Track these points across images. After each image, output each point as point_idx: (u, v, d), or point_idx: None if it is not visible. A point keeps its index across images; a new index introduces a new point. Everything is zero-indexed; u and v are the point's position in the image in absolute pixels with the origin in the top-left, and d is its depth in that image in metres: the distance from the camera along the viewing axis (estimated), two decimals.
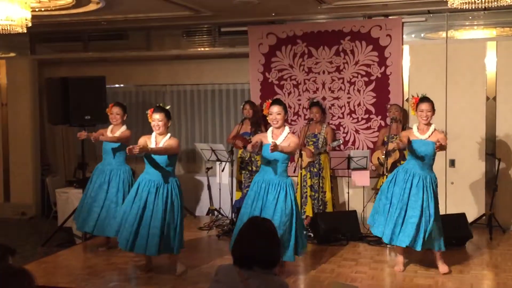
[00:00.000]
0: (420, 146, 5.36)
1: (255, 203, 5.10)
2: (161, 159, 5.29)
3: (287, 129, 5.22)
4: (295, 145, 5.17)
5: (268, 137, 5.17)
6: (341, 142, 7.24)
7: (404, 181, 5.38)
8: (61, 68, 9.09)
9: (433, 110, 5.42)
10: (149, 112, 5.42)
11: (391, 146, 6.80)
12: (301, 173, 7.29)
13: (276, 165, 5.11)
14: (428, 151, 5.34)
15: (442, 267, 5.38)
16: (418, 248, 5.28)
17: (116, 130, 6.28)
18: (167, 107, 5.51)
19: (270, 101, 5.27)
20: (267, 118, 5.28)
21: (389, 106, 7.32)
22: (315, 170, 7.29)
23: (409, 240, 5.25)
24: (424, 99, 5.44)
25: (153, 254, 5.29)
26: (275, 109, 5.14)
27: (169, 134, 5.40)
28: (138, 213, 5.23)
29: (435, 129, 5.42)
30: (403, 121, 7.27)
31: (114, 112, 6.24)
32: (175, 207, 5.31)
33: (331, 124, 7.74)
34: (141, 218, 5.23)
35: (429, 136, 5.37)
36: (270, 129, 5.27)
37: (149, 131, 5.64)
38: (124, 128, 6.27)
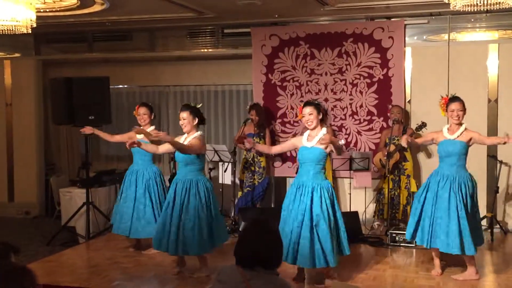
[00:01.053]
0: (448, 146, 5.31)
1: (291, 206, 4.97)
2: (182, 156, 5.30)
3: (324, 130, 5.03)
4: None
5: (303, 140, 5.06)
6: (343, 143, 7.26)
7: (436, 184, 5.33)
8: (66, 68, 9.13)
9: (464, 109, 5.34)
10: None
11: (392, 147, 6.84)
12: None
13: (310, 167, 4.97)
14: (455, 150, 5.28)
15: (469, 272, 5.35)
16: (455, 251, 5.17)
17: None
18: (199, 106, 5.50)
19: (301, 105, 5.11)
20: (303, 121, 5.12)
21: (390, 107, 7.35)
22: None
23: (441, 243, 5.20)
24: (455, 98, 5.38)
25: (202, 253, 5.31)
26: (307, 110, 4.99)
27: (198, 133, 5.38)
28: (173, 215, 5.26)
29: (466, 129, 5.34)
30: (405, 123, 7.31)
31: (141, 113, 6.29)
32: (206, 205, 5.28)
33: (333, 125, 7.78)
34: (179, 219, 5.24)
35: (458, 136, 5.31)
36: (306, 132, 5.12)
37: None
38: (153, 127, 6.28)
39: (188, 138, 5.35)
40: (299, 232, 4.84)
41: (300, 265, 4.94)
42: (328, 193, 4.93)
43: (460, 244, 5.14)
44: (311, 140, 5.01)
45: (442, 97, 5.49)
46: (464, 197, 5.23)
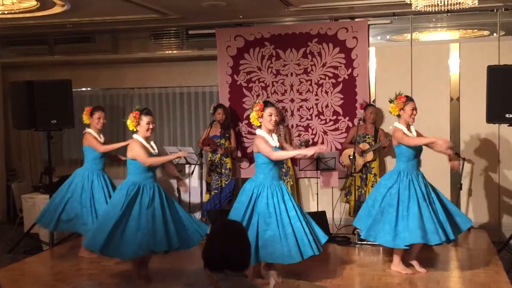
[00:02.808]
0: (420, 146, 5.42)
1: (273, 209, 4.99)
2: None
3: (279, 131, 5.28)
4: None
5: (269, 140, 5.05)
6: (309, 143, 7.32)
7: (409, 184, 5.34)
8: (26, 71, 8.92)
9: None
10: (135, 115, 5.28)
11: (366, 146, 6.93)
12: None
13: (280, 167, 5.24)
14: (421, 148, 5.44)
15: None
16: (452, 237, 5.28)
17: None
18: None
19: (261, 102, 5.11)
20: (262, 119, 5.05)
21: (364, 105, 7.34)
22: (282, 171, 7.33)
23: (439, 237, 5.25)
24: (411, 97, 5.47)
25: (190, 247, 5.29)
26: (275, 110, 5.08)
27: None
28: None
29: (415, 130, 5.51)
30: (376, 123, 7.39)
31: (102, 117, 6.28)
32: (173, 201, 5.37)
33: (299, 125, 7.80)
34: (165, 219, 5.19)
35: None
36: (262, 132, 5.08)
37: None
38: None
39: (152, 142, 5.37)
40: (293, 230, 4.94)
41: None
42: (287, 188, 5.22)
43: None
44: (272, 140, 5.11)
45: (399, 95, 5.47)
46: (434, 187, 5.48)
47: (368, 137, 7.19)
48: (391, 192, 5.38)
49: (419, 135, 5.52)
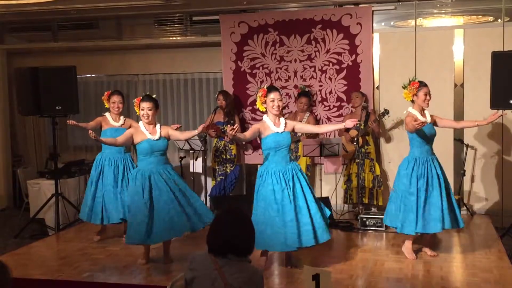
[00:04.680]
0: (430, 129, 5.41)
1: (283, 194, 4.98)
2: (164, 146, 5.36)
3: (283, 118, 5.16)
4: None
5: (271, 126, 5.04)
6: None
7: (425, 170, 5.36)
8: (31, 58, 8.95)
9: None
10: (136, 101, 5.38)
11: (355, 132, 6.93)
12: None
13: (286, 152, 5.10)
14: (434, 132, 5.45)
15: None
16: (447, 226, 5.35)
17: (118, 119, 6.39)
18: (154, 96, 5.53)
19: (265, 87, 5.08)
20: (265, 105, 5.05)
21: (351, 94, 7.40)
22: (291, 157, 7.34)
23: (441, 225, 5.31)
24: (424, 82, 5.42)
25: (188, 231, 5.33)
26: (277, 95, 5.00)
27: (158, 124, 5.42)
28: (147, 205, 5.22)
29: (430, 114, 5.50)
30: (369, 107, 7.38)
31: (117, 101, 6.30)
32: (184, 185, 5.42)
33: None
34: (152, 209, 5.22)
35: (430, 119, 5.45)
36: (266, 118, 5.09)
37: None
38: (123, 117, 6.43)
39: (156, 128, 5.36)
40: (298, 217, 4.95)
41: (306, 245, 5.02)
42: (300, 172, 5.15)
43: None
44: (278, 126, 5.07)
45: (412, 81, 5.44)
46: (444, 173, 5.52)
47: (360, 124, 7.18)
48: (411, 181, 5.38)
49: (435, 118, 5.53)
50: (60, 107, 7.03)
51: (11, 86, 8.91)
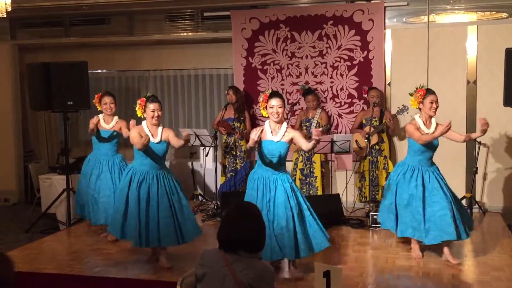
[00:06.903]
0: (434, 140, 5.27)
1: (263, 201, 4.81)
2: (163, 150, 5.24)
3: (285, 124, 4.91)
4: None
5: (268, 132, 4.86)
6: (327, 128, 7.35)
7: (415, 179, 5.28)
8: (42, 53, 8.98)
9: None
10: (140, 102, 5.21)
11: (368, 129, 6.88)
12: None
13: (274, 161, 4.84)
14: (437, 143, 5.32)
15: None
16: (464, 237, 5.23)
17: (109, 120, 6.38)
18: (149, 93, 5.42)
19: (267, 93, 4.92)
20: (267, 111, 4.86)
21: (366, 89, 7.34)
22: (307, 154, 7.34)
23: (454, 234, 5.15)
24: (431, 90, 5.30)
25: (173, 245, 5.24)
26: (278, 102, 4.78)
27: (161, 126, 5.28)
28: (141, 207, 5.13)
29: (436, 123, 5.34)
30: (382, 105, 7.35)
31: (108, 102, 6.30)
32: (181, 194, 5.29)
33: None
34: (147, 212, 5.13)
35: (434, 130, 5.28)
36: (267, 123, 4.92)
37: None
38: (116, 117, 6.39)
39: (159, 130, 5.24)
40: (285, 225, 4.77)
41: (288, 258, 4.87)
42: (289, 184, 4.87)
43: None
44: (275, 134, 4.87)
45: (417, 88, 5.34)
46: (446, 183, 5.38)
47: (375, 120, 7.15)
48: (402, 186, 5.35)
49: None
50: (71, 103, 7.06)
51: (23, 81, 8.95)
